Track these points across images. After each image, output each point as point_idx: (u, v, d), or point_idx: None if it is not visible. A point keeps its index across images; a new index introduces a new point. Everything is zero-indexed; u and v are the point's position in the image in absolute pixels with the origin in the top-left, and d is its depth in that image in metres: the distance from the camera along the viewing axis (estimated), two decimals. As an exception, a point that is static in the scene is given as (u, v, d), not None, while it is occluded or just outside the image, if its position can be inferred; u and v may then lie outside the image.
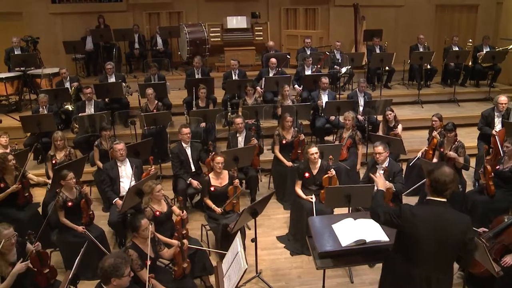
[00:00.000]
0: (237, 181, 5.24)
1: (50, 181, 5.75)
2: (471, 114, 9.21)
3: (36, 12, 10.97)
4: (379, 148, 5.33)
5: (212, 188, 5.19)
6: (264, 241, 5.50)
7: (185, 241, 4.06)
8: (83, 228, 4.87)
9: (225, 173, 5.33)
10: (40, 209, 5.83)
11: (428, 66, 10.14)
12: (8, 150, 6.24)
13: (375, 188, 3.67)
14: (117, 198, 5.45)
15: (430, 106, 9.79)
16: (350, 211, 5.26)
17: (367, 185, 4.99)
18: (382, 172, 5.19)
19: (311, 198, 5.31)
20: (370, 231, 3.76)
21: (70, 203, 4.91)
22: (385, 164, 5.27)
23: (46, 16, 11.06)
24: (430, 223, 2.95)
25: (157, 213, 4.56)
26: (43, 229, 5.32)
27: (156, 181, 4.58)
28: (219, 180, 5.27)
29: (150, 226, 3.84)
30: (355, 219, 3.93)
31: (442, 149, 6.29)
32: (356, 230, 3.77)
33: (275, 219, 6.14)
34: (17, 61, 9.02)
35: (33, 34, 9.99)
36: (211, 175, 5.28)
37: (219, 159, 5.19)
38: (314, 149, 5.46)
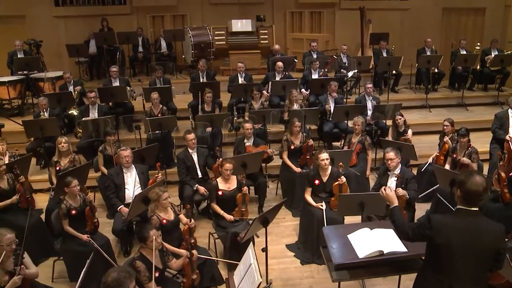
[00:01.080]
0: (245, 188, 5.09)
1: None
2: (480, 119, 9.08)
3: (39, 15, 10.87)
4: (391, 154, 5.19)
5: (220, 193, 5.05)
6: (273, 250, 5.35)
7: (194, 251, 3.92)
8: (87, 237, 4.72)
9: (233, 177, 5.19)
10: (43, 216, 5.72)
11: (436, 70, 9.99)
12: (6, 158, 6.10)
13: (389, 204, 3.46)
14: (122, 206, 5.31)
15: (438, 111, 9.64)
16: (362, 219, 5.17)
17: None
18: (395, 179, 5.05)
19: (321, 206, 5.17)
20: (387, 242, 3.62)
21: (74, 211, 4.77)
22: (397, 170, 5.12)
23: (49, 19, 10.95)
24: (464, 233, 2.82)
25: (164, 221, 4.41)
26: (43, 238, 5.27)
27: (163, 188, 4.43)
28: (227, 184, 5.13)
29: (159, 236, 3.69)
30: (371, 229, 3.79)
31: (454, 155, 6.15)
32: (373, 241, 3.63)
33: (284, 226, 6.00)
34: (20, 64, 8.90)
35: (36, 37, 9.87)
36: (219, 179, 5.15)
37: (228, 166, 5.05)
38: (324, 155, 5.31)
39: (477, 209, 2.86)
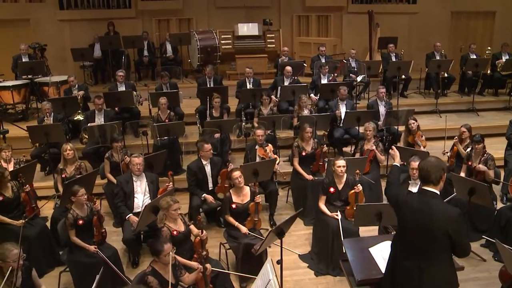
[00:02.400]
0: (259, 197, 4.93)
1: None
2: (492, 124, 8.92)
3: (43, 19, 10.76)
4: (417, 164, 5.00)
5: (233, 206, 4.87)
6: (286, 260, 5.07)
7: (208, 266, 3.75)
8: (95, 248, 4.55)
9: (247, 189, 5.01)
10: (48, 223, 5.56)
11: (446, 75, 9.84)
12: (11, 164, 5.96)
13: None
14: (130, 214, 5.14)
15: (448, 116, 9.31)
16: (378, 230, 5.01)
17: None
18: (416, 189, 4.85)
19: (337, 215, 5.00)
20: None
21: (81, 221, 4.61)
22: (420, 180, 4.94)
23: (54, 22, 10.84)
24: (415, 212, 3.06)
25: (175, 232, 4.25)
26: (48, 247, 5.11)
27: (175, 198, 4.25)
28: (240, 197, 4.95)
29: (173, 250, 3.52)
30: (393, 242, 3.62)
31: (469, 162, 5.98)
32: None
33: (296, 236, 5.82)
34: (24, 68, 8.76)
35: (41, 41, 9.76)
36: (232, 192, 4.97)
37: (237, 173, 4.88)
38: (341, 162, 5.15)
39: (436, 191, 3.06)
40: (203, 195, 5.68)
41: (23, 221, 4.89)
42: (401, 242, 3.15)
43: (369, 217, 4.48)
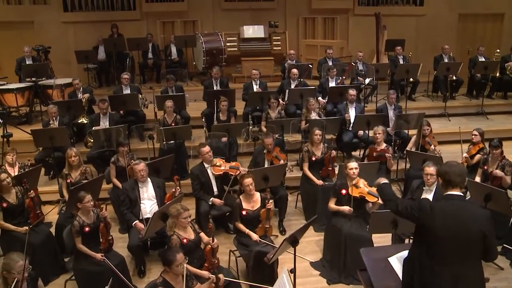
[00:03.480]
0: (270, 203, 4.79)
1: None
2: (501, 128, 8.79)
3: (47, 21, 10.68)
4: (431, 169, 4.87)
5: (244, 212, 4.73)
6: (297, 268, 4.88)
7: (221, 276, 3.62)
8: (101, 256, 4.42)
9: (257, 195, 4.87)
10: (52, 229, 5.44)
11: (454, 77, 9.71)
12: (16, 168, 5.84)
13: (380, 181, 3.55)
14: (136, 221, 5.01)
15: (457, 119, 9.33)
16: (392, 238, 4.88)
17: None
18: (431, 196, 4.72)
19: (349, 210, 4.90)
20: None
21: (87, 228, 4.48)
22: (434, 187, 4.81)
23: (58, 25, 10.75)
24: (449, 217, 2.93)
25: (185, 240, 4.10)
26: (53, 255, 4.98)
27: (185, 206, 4.12)
28: (251, 203, 4.80)
29: (185, 261, 3.38)
30: (413, 252, 3.48)
31: (486, 167, 5.83)
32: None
33: (306, 242, 5.66)
34: (28, 71, 8.66)
35: (45, 43, 9.67)
36: (242, 197, 4.83)
37: (248, 180, 4.74)
38: (353, 164, 5.04)
39: (461, 194, 3.02)
40: (210, 199, 5.56)
41: (27, 228, 4.77)
42: (432, 251, 2.99)
43: (384, 225, 4.34)
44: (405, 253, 3.46)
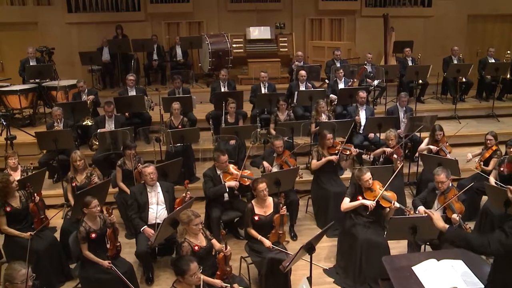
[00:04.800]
0: (284, 209, 4.62)
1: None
2: (513, 130, 8.60)
3: (51, 22, 10.54)
4: (441, 177, 4.69)
5: (256, 218, 4.56)
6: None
7: (235, 285, 3.44)
8: (109, 263, 4.26)
9: (270, 200, 4.70)
10: (57, 234, 5.28)
11: (464, 79, 9.55)
12: (18, 172, 5.68)
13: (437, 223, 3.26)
14: (145, 226, 4.85)
15: (467, 122, 9.14)
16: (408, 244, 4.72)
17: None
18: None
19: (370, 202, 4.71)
20: (461, 276, 3.16)
21: (94, 234, 4.32)
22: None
23: (62, 26, 10.61)
24: None
25: (196, 248, 3.93)
26: (58, 261, 4.81)
27: (196, 212, 3.95)
28: (263, 208, 4.63)
29: (199, 270, 3.21)
30: (438, 260, 3.32)
31: (501, 168, 5.68)
32: (444, 274, 3.17)
33: (319, 248, 5.36)
34: (32, 72, 8.51)
35: (49, 44, 9.54)
36: (254, 202, 4.66)
37: (262, 185, 4.56)
38: (367, 176, 4.81)
39: None
40: (225, 186, 5.36)
41: (31, 233, 4.62)
42: None
43: (403, 231, 4.17)
44: (431, 262, 3.30)
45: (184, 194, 4.93)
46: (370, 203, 4.68)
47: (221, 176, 5.50)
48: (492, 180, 5.74)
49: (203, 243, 4.03)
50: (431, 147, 6.41)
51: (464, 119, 9.23)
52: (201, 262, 3.93)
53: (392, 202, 4.70)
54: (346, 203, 4.90)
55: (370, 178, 4.81)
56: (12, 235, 4.71)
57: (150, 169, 4.92)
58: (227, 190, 5.38)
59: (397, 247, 5.21)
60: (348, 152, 6.12)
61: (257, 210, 4.61)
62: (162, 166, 5.57)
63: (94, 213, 4.35)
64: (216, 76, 9.51)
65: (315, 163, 5.97)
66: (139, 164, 5.60)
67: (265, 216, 4.60)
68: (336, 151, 5.96)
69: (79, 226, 4.35)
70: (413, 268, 3.27)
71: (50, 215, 5.87)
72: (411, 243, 4.76)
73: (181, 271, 3.19)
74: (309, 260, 3.60)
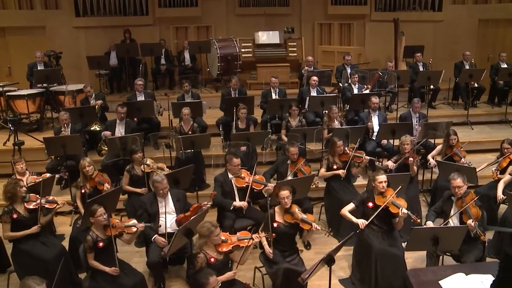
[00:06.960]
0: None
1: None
2: (527, 137, 8.43)
3: (59, 26, 10.49)
4: (458, 181, 4.57)
5: (275, 225, 4.42)
6: (325, 285, 4.71)
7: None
8: (115, 269, 4.15)
9: (294, 207, 4.56)
10: (65, 242, 5.16)
11: (476, 85, 9.40)
12: (25, 177, 5.58)
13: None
14: (156, 235, 4.72)
15: (480, 128, 9.03)
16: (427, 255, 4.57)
17: (459, 226, 4.21)
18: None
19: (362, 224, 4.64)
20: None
21: (101, 243, 4.20)
22: None
23: (70, 30, 10.57)
24: None
25: (212, 259, 3.80)
26: (67, 270, 4.67)
27: (215, 222, 3.82)
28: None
29: (218, 285, 3.08)
30: (467, 275, 3.17)
31: (518, 176, 5.54)
32: (474, 290, 3.02)
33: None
34: (40, 77, 8.43)
35: (56, 48, 9.48)
36: (277, 209, 4.52)
37: (285, 193, 4.41)
38: (382, 177, 4.72)
39: None
40: (232, 204, 5.24)
41: (38, 226, 4.57)
42: None
43: (424, 242, 4.03)
44: (459, 276, 3.17)
45: (202, 204, 4.77)
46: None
47: (232, 181, 5.39)
48: (501, 184, 5.65)
49: (220, 255, 3.89)
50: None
51: (476, 125, 9.09)
52: (218, 274, 3.81)
53: (400, 209, 4.56)
54: (322, 172, 5.56)
55: (385, 181, 4.69)
56: (19, 237, 4.57)
57: (163, 185, 4.75)
58: (231, 208, 5.24)
59: (411, 257, 5.06)
60: (359, 160, 6.02)
61: (277, 217, 4.47)
62: (174, 173, 5.45)
63: (100, 221, 4.22)
64: (225, 81, 9.41)
65: (322, 173, 5.92)
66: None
67: (284, 225, 4.46)
68: (348, 159, 5.83)
69: (86, 235, 4.24)
70: (441, 282, 3.14)
71: (58, 222, 5.81)
72: (431, 254, 4.61)
73: (200, 285, 3.06)
74: (330, 273, 3.45)
